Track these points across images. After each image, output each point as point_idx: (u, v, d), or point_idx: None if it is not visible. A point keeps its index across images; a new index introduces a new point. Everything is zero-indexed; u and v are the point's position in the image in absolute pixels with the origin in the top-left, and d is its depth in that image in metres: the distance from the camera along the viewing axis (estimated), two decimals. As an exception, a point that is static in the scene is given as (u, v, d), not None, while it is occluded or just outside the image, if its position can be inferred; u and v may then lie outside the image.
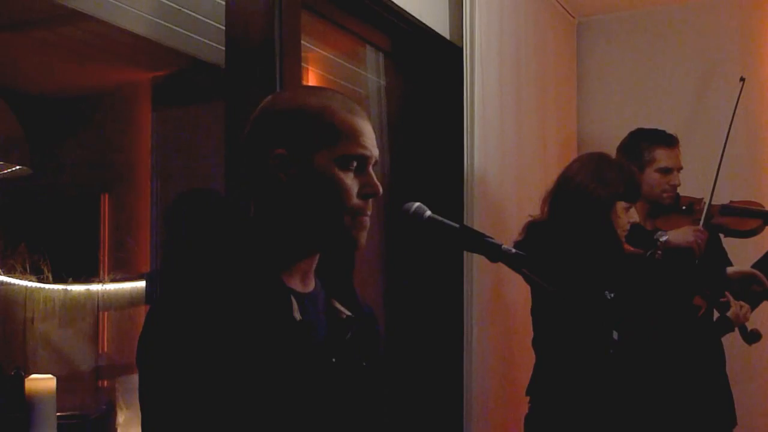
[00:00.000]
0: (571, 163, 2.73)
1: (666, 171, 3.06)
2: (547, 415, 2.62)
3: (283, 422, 1.26)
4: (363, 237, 1.37)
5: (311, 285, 1.41)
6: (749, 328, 2.90)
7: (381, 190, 1.37)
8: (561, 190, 2.66)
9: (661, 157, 3.06)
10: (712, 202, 3.10)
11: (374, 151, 1.38)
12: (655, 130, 3.13)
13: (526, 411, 2.72)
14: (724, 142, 3.15)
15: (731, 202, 3.15)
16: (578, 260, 2.47)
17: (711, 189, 3.07)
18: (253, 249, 1.35)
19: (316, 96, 1.40)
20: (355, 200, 1.34)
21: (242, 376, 1.22)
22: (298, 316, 1.31)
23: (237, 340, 1.23)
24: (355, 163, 1.35)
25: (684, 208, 3.12)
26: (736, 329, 2.90)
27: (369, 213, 1.37)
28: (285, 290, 1.33)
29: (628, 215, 2.61)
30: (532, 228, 2.66)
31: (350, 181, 1.34)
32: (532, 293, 2.72)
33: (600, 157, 2.68)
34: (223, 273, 1.30)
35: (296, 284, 1.37)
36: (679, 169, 3.10)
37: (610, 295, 2.56)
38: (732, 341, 3.11)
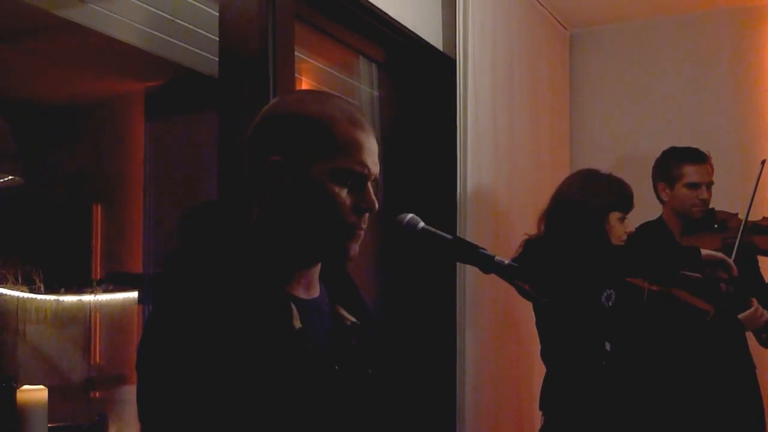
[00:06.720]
0: (563, 181, 2.85)
1: (694, 186, 3.11)
2: (560, 427, 2.67)
3: (285, 430, 1.24)
4: (354, 248, 1.33)
5: (315, 291, 1.38)
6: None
7: (377, 206, 1.33)
8: (555, 206, 2.77)
9: (689, 172, 3.12)
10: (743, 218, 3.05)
11: (374, 169, 1.33)
12: (687, 148, 3.20)
13: (522, 419, 2.74)
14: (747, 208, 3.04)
15: (764, 218, 3.13)
16: (575, 272, 2.51)
17: (747, 208, 3.01)
18: (254, 256, 1.32)
19: (319, 103, 1.34)
20: (349, 216, 1.31)
21: (242, 385, 1.20)
22: (297, 324, 1.28)
23: (236, 348, 1.20)
24: (350, 181, 1.30)
25: (716, 226, 3.13)
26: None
27: (364, 227, 1.33)
28: (285, 298, 1.31)
29: (623, 226, 2.69)
30: (529, 245, 2.73)
31: (345, 196, 1.30)
32: (533, 307, 2.77)
33: (589, 172, 2.81)
34: (224, 281, 1.26)
35: (299, 291, 1.34)
36: (709, 183, 3.14)
37: (608, 303, 2.63)
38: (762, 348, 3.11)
